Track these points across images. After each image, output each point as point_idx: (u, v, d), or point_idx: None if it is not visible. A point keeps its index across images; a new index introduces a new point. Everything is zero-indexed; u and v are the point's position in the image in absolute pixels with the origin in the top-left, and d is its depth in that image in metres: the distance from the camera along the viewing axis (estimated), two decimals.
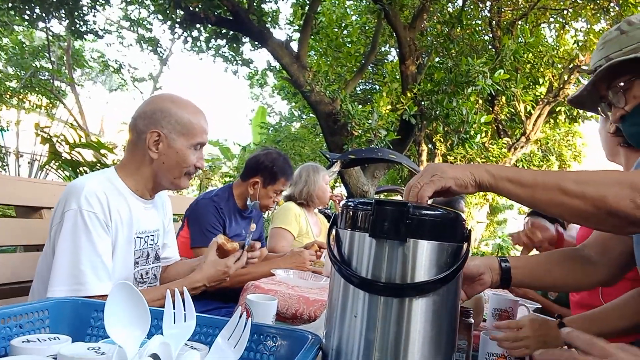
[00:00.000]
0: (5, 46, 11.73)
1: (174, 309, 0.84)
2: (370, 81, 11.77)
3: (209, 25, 7.55)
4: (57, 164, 3.72)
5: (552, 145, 11.92)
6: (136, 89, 15.15)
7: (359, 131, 6.06)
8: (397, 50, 7.53)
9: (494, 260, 1.20)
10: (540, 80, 9.01)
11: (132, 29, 10.50)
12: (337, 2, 9.43)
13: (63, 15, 7.66)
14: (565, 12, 8.55)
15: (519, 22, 8.21)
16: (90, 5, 7.74)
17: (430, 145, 10.35)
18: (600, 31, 7.95)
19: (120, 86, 15.47)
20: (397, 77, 7.53)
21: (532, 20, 8.46)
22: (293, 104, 12.98)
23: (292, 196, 2.98)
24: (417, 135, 8.27)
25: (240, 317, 0.87)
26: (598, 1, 7.54)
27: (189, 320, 0.83)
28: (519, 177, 0.95)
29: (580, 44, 8.39)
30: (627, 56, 1.05)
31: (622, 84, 1.08)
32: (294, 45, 6.98)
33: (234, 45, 8.50)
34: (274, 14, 8.32)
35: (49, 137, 3.86)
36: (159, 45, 10.39)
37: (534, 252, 1.94)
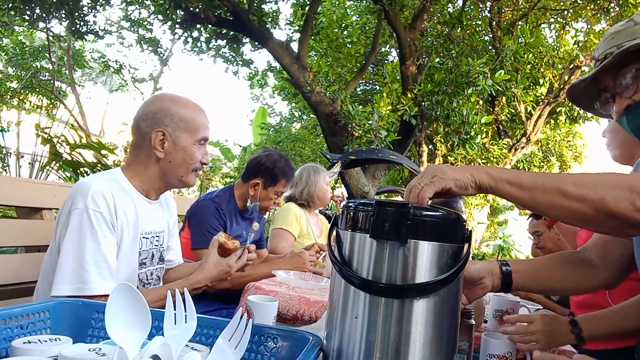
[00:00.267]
0: (6, 47, 11.75)
1: (174, 310, 0.84)
2: (371, 82, 11.77)
3: (209, 26, 7.55)
4: (57, 164, 3.72)
5: (553, 146, 11.92)
6: (136, 89, 15.19)
7: (360, 132, 6.05)
8: (398, 50, 7.53)
9: (494, 264, 1.20)
10: (541, 81, 8.99)
11: (132, 29, 10.52)
12: (337, 2, 9.42)
13: (63, 16, 7.65)
14: (565, 12, 8.55)
15: (519, 23, 8.20)
16: (90, 5, 7.73)
17: (430, 146, 10.36)
18: (601, 31, 7.95)
19: (120, 87, 15.48)
20: (398, 77, 7.52)
21: (533, 20, 8.46)
22: (293, 104, 12.97)
23: (293, 197, 2.98)
24: (418, 135, 8.27)
25: (241, 318, 0.86)
26: (598, 1, 7.54)
27: (190, 321, 0.83)
28: (519, 179, 0.95)
29: (580, 44, 8.38)
30: None
31: (634, 71, 1.05)
32: (294, 46, 6.98)
33: (235, 45, 8.50)
34: (274, 14, 8.32)
35: (49, 137, 3.87)
36: (160, 45, 10.42)
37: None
